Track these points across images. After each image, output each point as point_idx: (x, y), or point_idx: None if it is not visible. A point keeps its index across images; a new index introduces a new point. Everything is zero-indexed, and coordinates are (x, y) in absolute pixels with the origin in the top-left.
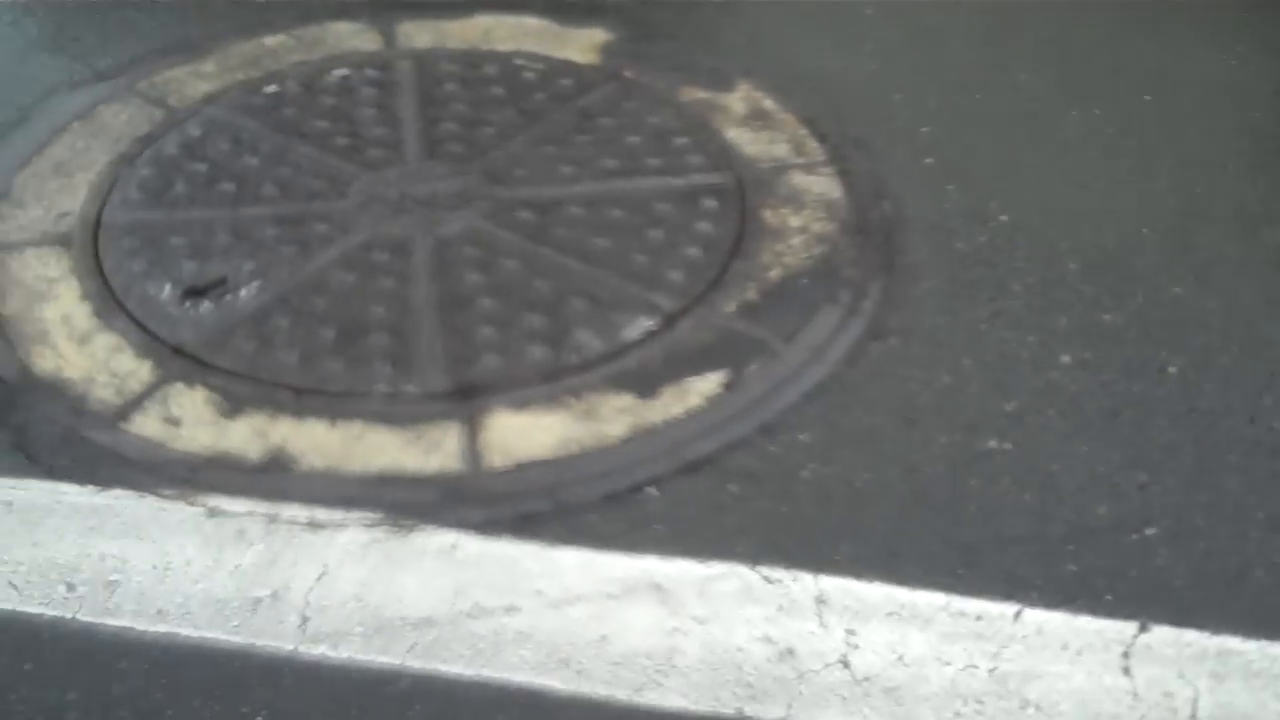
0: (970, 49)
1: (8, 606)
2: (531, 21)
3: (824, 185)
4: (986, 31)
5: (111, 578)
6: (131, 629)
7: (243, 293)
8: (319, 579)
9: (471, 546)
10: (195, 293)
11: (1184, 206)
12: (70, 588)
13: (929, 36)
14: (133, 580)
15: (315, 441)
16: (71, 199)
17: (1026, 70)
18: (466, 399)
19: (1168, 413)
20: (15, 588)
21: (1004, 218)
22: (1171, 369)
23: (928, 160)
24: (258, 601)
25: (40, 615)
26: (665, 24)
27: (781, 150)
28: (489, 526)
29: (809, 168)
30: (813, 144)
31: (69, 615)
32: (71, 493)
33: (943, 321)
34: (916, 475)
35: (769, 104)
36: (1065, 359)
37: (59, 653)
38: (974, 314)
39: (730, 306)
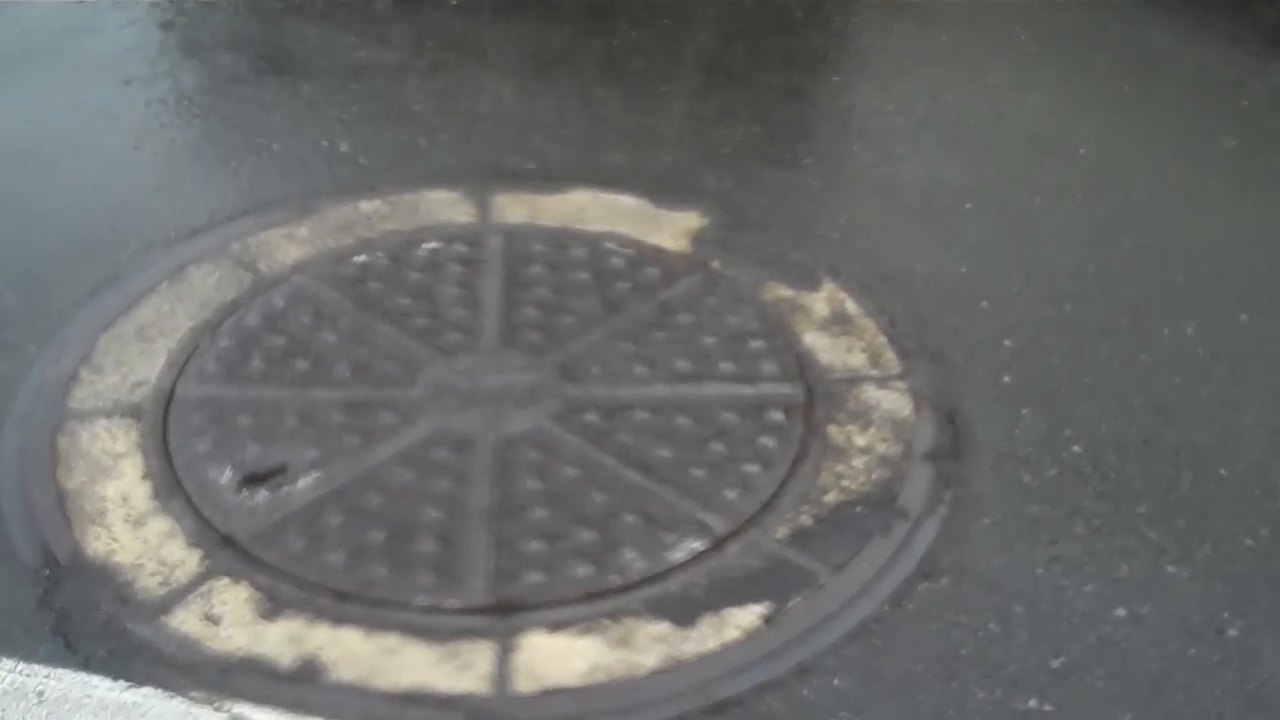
0: (1068, 253)
1: None
2: (627, 201)
3: (895, 402)
4: (1089, 234)
5: None
6: None
7: (300, 483)
8: None
9: None
10: (254, 480)
11: (1270, 443)
12: None
13: (1027, 237)
14: None
15: (349, 651)
16: (149, 367)
17: (1123, 279)
18: (505, 616)
19: (1221, 682)
20: None
21: (1077, 449)
22: (1232, 631)
23: (1005, 379)
24: None
25: None
26: (760, 211)
27: (857, 360)
28: None
29: (882, 381)
30: (890, 355)
31: None
32: (103, 687)
33: (998, 563)
34: None
35: (851, 307)
36: (1120, 612)
37: None
38: (1032, 556)
39: (782, 532)
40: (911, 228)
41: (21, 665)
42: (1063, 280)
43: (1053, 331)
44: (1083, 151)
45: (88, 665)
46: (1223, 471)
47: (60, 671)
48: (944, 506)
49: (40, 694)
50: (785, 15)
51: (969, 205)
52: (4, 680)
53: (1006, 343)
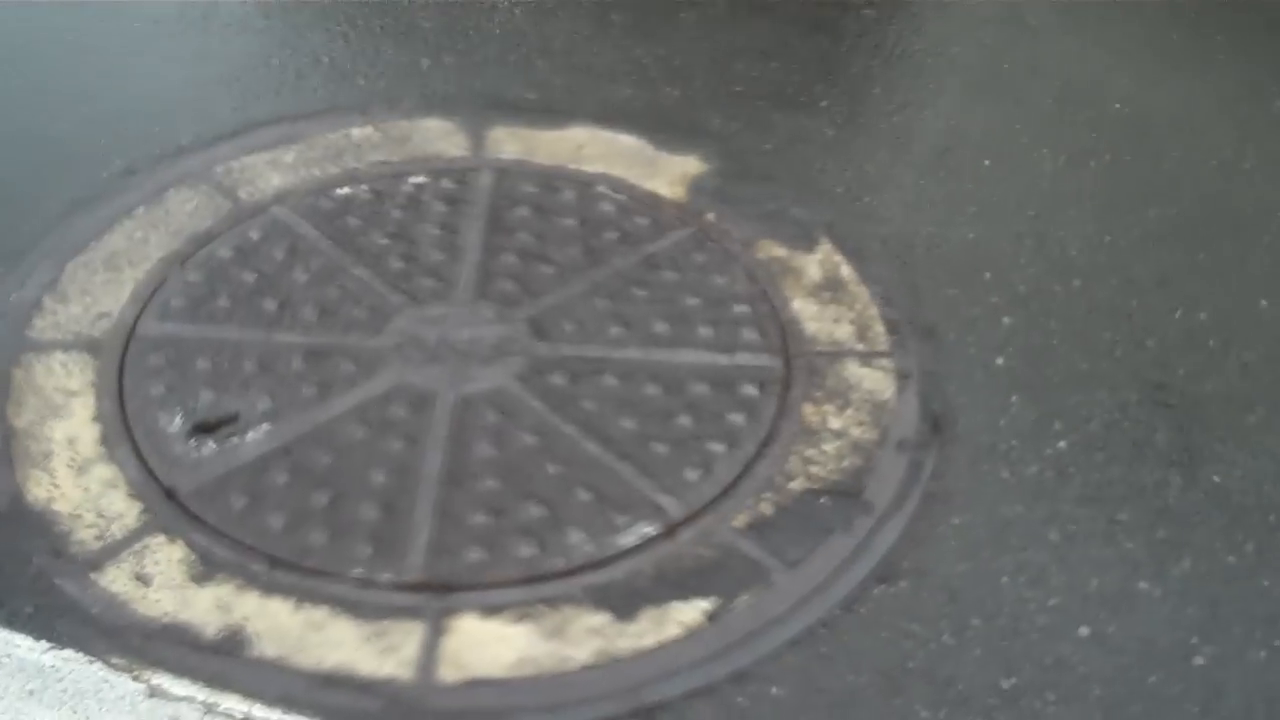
0: (1086, 221)
1: None
2: (627, 140)
3: (877, 381)
4: (1112, 201)
5: None
6: None
7: (249, 436)
8: None
9: None
10: (203, 429)
11: (1272, 449)
12: None
13: (1045, 201)
14: None
15: (276, 624)
16: (114, 299)
17: (1140, 253)
18: (440, 595)
19: (1179, 716)
20: None
21: (1063, 444)
22: (1199, 660)
23: (999, 360)
24: None
25: None
26: (764, 158)
27: (844, 332)
28: None
29: (867, 357)
30: (878, 328)
31: None
32: (24, 646)
33: (962, 569)
34: None
35: (846, 271)
36: (1083, 631)
37: None
38: (998, 563)
39: (740, 520)
40: (922, 185)
41: None
42: (1076, 252)
43: (1056, 309)
44: (1117, 106)
45: (11, 622)
46: (1216, 479)
47: None
48: (913, 502)
49: None
50: None
51: (987, 162)
52: None
53: (1005, 320)
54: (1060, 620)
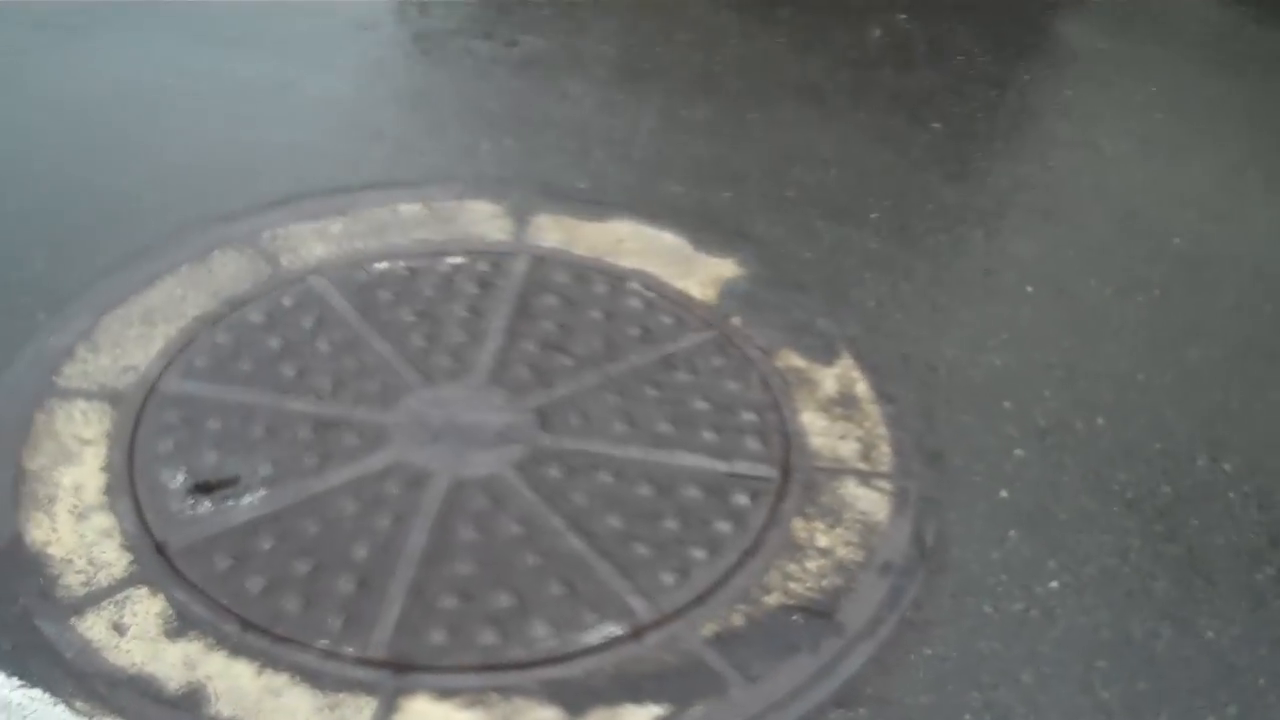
0: (1122, 357)
1: None
2: (668, 238)
3: (872, 503)
4: (1153, 338)
5: None
6: None
7: (245, 499)
8: None
9: None
10: (203, 489)
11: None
12: None
13: (1082, 332)
14: None
15: (236, 686)
16: (143, 353)
17: (1173, 396)
18: (398, 674)
19: None
20: None
21: (1054, 585)
22: None
23: (1003, 493)
24: None
25: None
26: (801, 267)
27: (848, 449)
28: None
29: (867, 477)
30: (884, 449)
31: None
32: None
33: (925, 700)
34: None
35: (861, 388)
36: None
37: None
38: (965, 699)
39: (708, 629)
40: (956, 306)
41: None
42: (1105, 388)
43: (1074, 446)
44: (1177, 241)
45: None
46: (1210, 634)
47: None
48: (887, 628)
49: None
50: (906, 50)
51: (1030, 288)
52: None
53: (1018, 452)
54: None
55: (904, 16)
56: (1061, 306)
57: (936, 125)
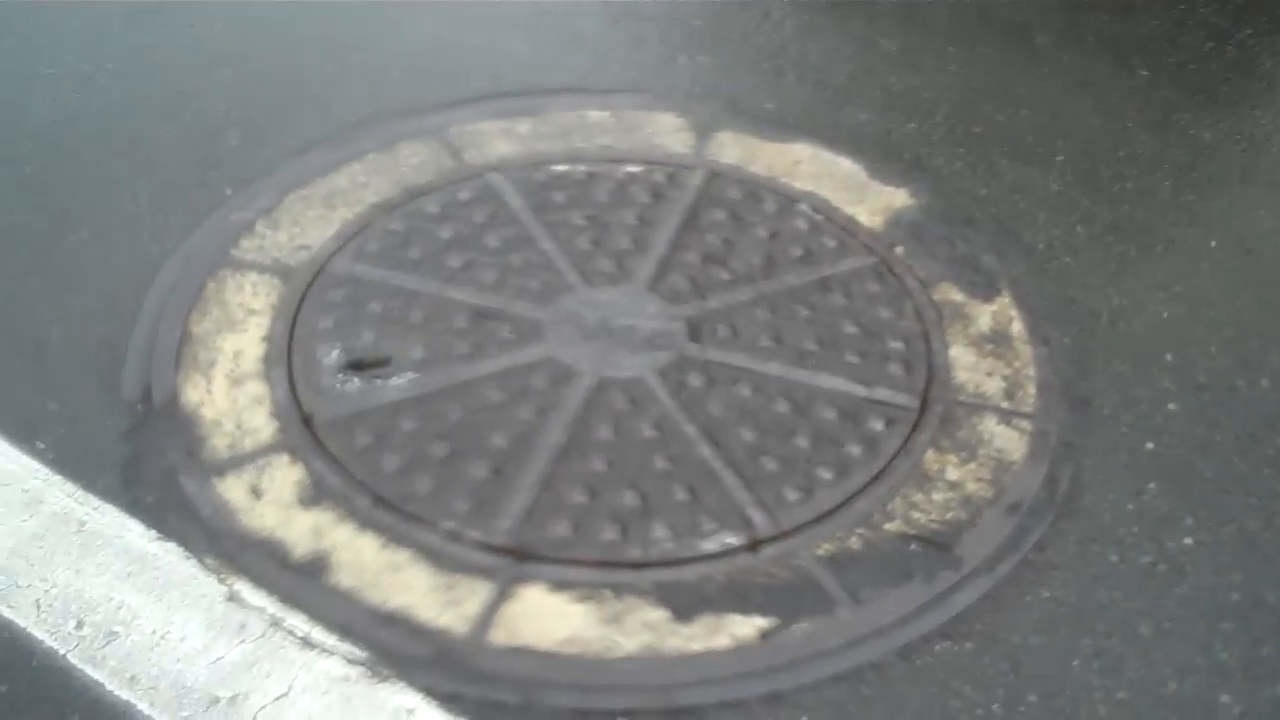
0: None
1: (21, 624)
2: (845, 164)
3: (1009, 442)
4: None
5: (115, 629)
6: (101, 686)
7: (394, 380)
8: (276, 699)
9: (428, 716)
10: (356, 366)
11: None
12: (79, 625)
13: (1265, 300)
14: (131, 638)
15: (358, 558)
16: (319, 233)
17: None
18: (517, 561)
19: None
20: (37, 608)
21: (1188, 540)
22: None
23: (1148, 444)
24: (214, 701)
25: (41, 643)
26: (975, 202)
27: (993, 386)
28: (452, 702)
29: (1007, 416)
30: (1030, 389)
31: (62, 651)
32: (135, 532)
33: (1035, 642)
34: None
35: (1017, 327)
36: None
37: (34, 685)
38: (1076, 645)
39: (824, 549)
40: (1131, 254)
41: (78, 493)
42: (1275, 352)
43: (1231, 406)
44: None
45: (132, 508)
46: None
47: (107, 507)
48: (1006, 566)
49: (82, 524)
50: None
51: (1213, 243)
52: (58, 504)
53: (1171, 406)
54: (1122, 716)
55: None
56: (1244, 266)
57: (1144, 73)
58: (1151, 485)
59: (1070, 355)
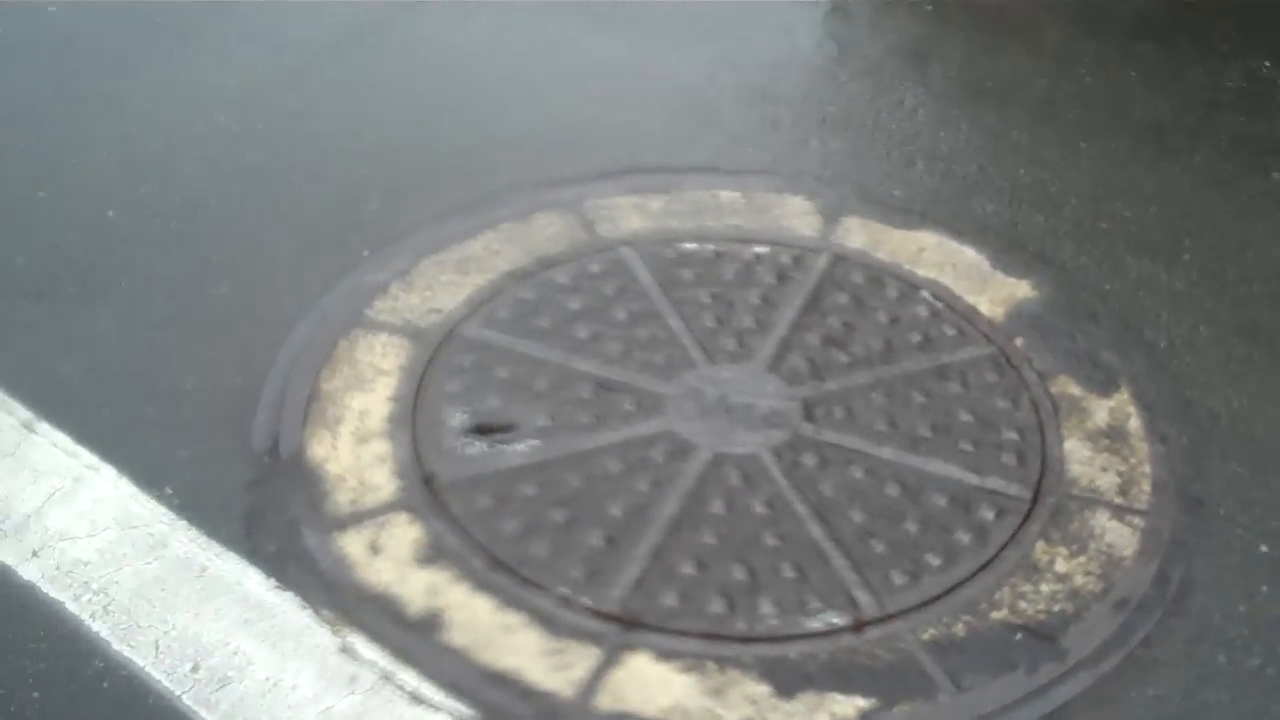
0: None
1: (140, 664)
2: (969, 253)
3: (1121, 537)
4: None
5: (229, 674)
6: None
7: (518, 446)
8: None
9: None
10: (480, 430)
11: None
12: (195, 668)
13: None
14: (243, 685)
15: (472, 618)
16: (451, 298)
17: None
18: (625, 629)
19: None
20: (156, 649)
21: None
22: None
23: (1263, 547)
24: None
25: (158, 683)
26: (1098, 298)
27: (1107, 482)
28: None
29: (1120, 512)
30: (1145, 486)
31: (177, 693)
32: (254, 580)
33: None
34: None
35: (1134, 424)
36: None
37: None
38: None
39: (928, 633)
40: (1254, 355)
41: (202, 539)
42: None
43: None
44: None
45: (253, 556)
46: None
47: (229, 555)
48: (1111, 662)
49: (203, 569)
50: (1264, 98)
51: None
52: (182, 549)
53: None
54: None
55: (1269, 64)
56: None
57: (1277, 174)
58: (1264, 588)
59: (1187, 455)
